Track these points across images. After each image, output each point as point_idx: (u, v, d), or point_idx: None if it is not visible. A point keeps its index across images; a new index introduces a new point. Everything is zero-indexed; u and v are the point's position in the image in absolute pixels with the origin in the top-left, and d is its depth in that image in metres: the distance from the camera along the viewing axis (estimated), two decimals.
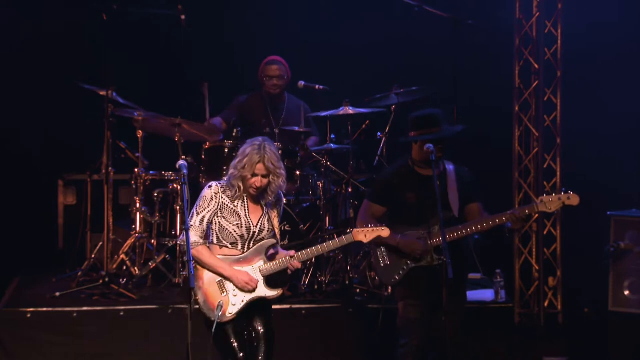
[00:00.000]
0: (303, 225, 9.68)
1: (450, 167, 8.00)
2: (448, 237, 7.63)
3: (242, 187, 7.22)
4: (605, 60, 10.46)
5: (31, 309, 9.02)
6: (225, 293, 7.16)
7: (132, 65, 10.75)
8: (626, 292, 9.11)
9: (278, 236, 7.31)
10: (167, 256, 9.74)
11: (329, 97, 10.15)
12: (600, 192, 10.07)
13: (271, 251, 7.30)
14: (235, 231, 7.19)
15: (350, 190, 9.85)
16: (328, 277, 9.61)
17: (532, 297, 9.49)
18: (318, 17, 11.08)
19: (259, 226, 7.24)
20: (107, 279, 9.47)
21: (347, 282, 9.56)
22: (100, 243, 9.78)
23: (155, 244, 9.79)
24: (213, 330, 7.07)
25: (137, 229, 9.75)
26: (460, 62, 10.15)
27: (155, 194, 9.79)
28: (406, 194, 7.93)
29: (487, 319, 9.21)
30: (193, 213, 7.19)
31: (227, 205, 7.19)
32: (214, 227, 7.21)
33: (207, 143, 9.78)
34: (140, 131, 9.72)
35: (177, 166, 7.20)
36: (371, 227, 7.34)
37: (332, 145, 9.85)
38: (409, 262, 7.93)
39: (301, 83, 10.20)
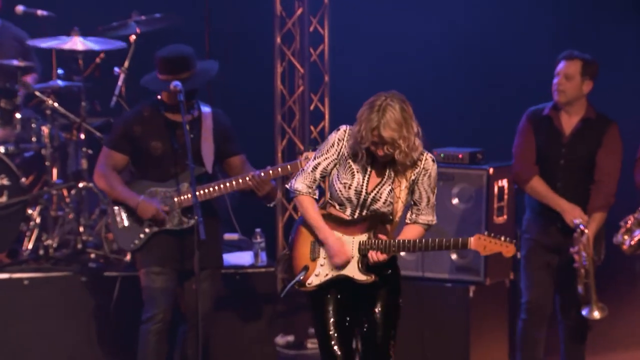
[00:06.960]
0: (25, 178, 8.89)
1: (206, 110, 7.46)
2: (199, 193, 7.18)
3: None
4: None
5: None
6: (315, 259, 6.29)
7: None
8: None
9: (399, 211, 6.21)
10: None
11: (54, 25, 9.34)
12: None
13: (383, 227, 6.23)
14: (340, 190, 6.15)
15: (82, 136, 9.12)
16: (56, 239, 8.89)
17: None
18: None
19: (372, 194, 6.13)
20: None
21: (79, 246, 8.88)
22: None
23: None
24: (284, 291, 6.40)
25: None
26: None
27: None
28: (150, 143, 7.42)
29: (246, 286, 8.70)
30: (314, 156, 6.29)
31: (346, 159, 6.18)
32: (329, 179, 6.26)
33: None
34: None
35: None
36: (495, 240, 6.20)
37: (59, 82, 9.07)
38: (151, 224, 7.44)
39: (20, 8, 9.33)
